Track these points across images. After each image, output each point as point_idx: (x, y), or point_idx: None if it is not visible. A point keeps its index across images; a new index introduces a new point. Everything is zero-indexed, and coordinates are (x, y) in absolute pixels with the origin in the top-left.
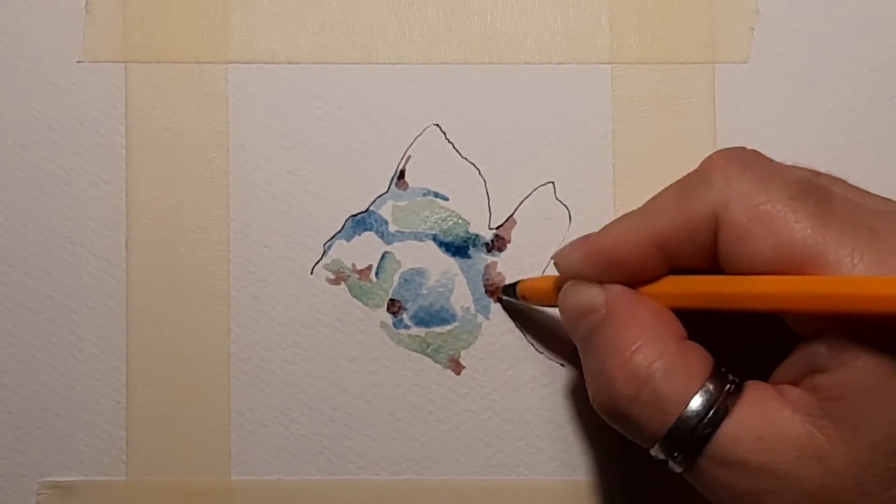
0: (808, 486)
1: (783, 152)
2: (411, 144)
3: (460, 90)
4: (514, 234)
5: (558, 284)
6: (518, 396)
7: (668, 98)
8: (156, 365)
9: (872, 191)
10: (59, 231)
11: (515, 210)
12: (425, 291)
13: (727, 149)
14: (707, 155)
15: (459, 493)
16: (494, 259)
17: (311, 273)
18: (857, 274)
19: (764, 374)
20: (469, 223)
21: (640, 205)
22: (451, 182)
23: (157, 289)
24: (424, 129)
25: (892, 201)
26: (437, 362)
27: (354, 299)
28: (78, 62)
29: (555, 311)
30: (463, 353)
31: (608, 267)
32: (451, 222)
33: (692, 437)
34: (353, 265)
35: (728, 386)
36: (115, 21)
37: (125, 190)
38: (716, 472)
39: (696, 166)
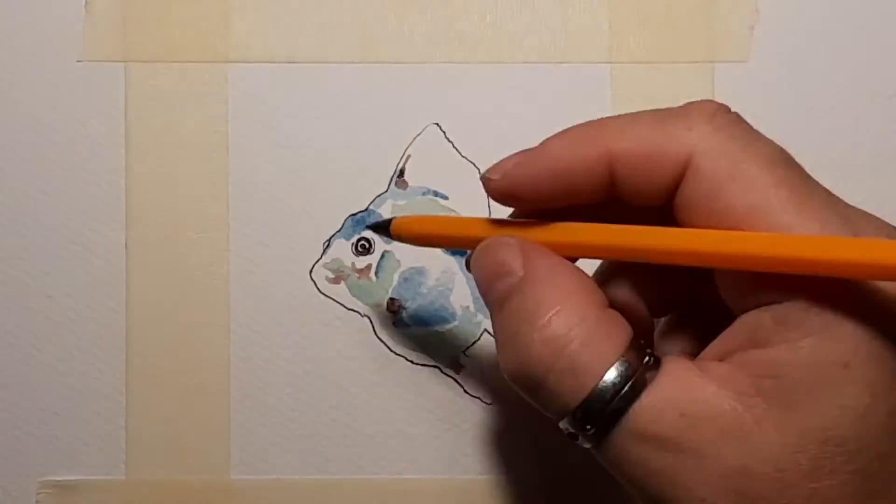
0: (727, 466)
1: None
2: (411, 143)
3: (460, 89)
4: None
5: (438, 225)
6: (518, 396)
7: (668, 97)
8: (156, 364)
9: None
10: (59, 231)
11: None
12: (425, 291)
13: (714, 101)
14: None
15: (459, 493)
16: None
17: (311, 272)
18: None
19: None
20: None
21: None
22: (451, 181)
23: (157, 288)
24: (424, 129)
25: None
26: (436, 362)
27: (354, 298)
28: (78, 61)
29: None
30: (462, 352)
31: (547, 178)
32: None
33: (607, 409)
34: (353, 264)
35: (647, 359)
36: (115, 20)
37: (125, 189)
38: (629, 447)
39: None
